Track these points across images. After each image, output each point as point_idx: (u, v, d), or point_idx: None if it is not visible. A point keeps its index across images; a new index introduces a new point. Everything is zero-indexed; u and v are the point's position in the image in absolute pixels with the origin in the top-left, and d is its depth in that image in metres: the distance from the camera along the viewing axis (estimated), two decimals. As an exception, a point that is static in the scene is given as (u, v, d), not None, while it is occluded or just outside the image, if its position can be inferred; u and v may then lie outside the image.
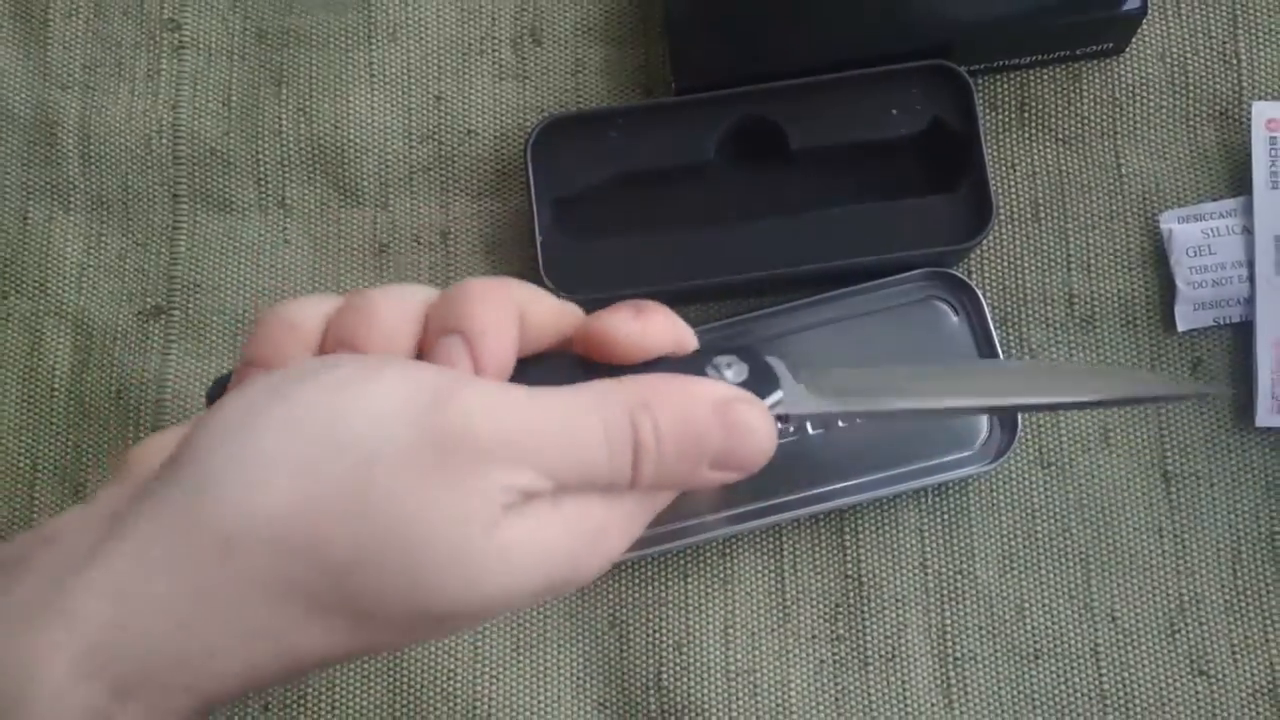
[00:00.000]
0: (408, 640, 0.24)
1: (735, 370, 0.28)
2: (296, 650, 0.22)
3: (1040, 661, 0.39)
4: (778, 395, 0.28)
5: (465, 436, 0.23)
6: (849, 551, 0.40)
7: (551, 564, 0.24)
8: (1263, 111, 0.40)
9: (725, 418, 0.26)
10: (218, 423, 0.23)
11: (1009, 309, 0.41)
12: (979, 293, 0.39)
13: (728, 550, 0.40)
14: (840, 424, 0.39)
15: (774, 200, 0.41)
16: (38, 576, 0.22)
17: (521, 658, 0.39)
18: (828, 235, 0.39)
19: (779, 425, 0.28)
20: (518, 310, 0.26)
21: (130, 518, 0.22)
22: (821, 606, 0.39)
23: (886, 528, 0.40)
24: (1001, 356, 0.39)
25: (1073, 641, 0.39)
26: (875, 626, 0.39)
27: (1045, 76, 0.42)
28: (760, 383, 0.29)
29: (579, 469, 0.24)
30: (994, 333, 0.39)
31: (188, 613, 0.22)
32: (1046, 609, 0.39)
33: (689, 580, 0.39)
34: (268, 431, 0.22)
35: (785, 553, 0.40)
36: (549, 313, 0.27)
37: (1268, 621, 0.38)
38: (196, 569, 0.22)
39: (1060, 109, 0.42)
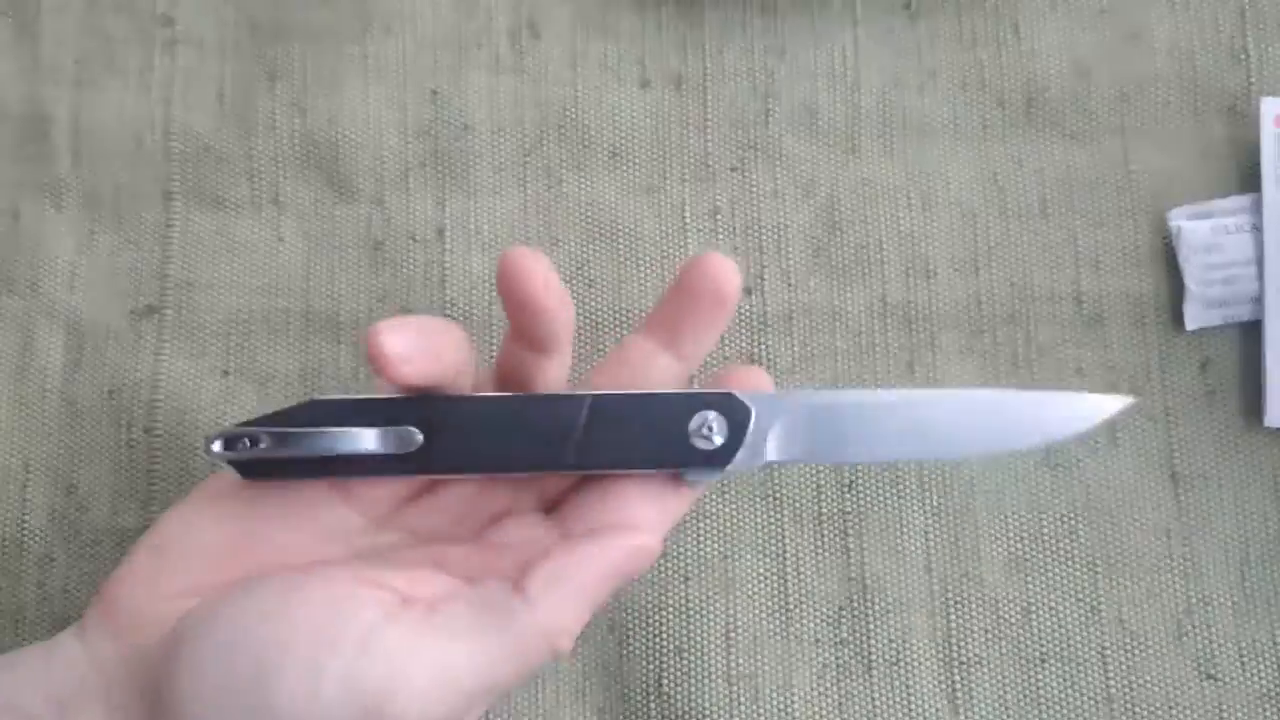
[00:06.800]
0: None
1: (719, 430, 0.30)
2: None
3: (1047, 665, 0.38)
4: (712, 474, 0.31)
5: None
6: (853, 555, 0.39)
7: None
8: (1272, 107, 0.40)
9: (631, 564, 0.29)
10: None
11: (1016, 307, 0.40)
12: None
13: (729, 553, 0.39)
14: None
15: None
16: None
17: (520, 662, 0.39)
18: None
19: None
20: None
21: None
22: (825, 610, 0.39)
23: (891, 530, 0.39)
24: None
25: (1080, 645, 0.38)
26: (879, 630, 0.38)
27: (1052, 73, 0.41)
28: (733, 438, 0.30)
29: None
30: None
31: None
32: (1053, 612, 0.38)
33: (689, 584, 0.39)
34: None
35: (788, 556, 0.39)
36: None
37: (1276, 624, 0.38)
38: None
39: (1068, 105, 0.41)
